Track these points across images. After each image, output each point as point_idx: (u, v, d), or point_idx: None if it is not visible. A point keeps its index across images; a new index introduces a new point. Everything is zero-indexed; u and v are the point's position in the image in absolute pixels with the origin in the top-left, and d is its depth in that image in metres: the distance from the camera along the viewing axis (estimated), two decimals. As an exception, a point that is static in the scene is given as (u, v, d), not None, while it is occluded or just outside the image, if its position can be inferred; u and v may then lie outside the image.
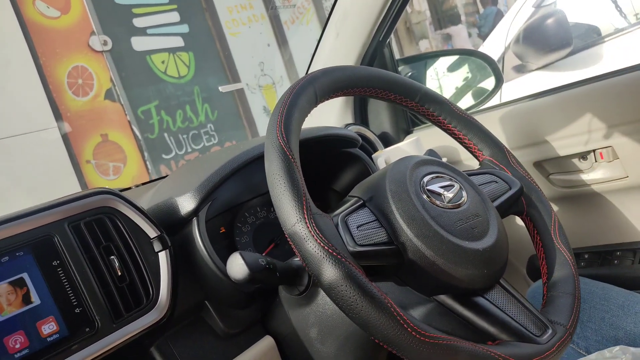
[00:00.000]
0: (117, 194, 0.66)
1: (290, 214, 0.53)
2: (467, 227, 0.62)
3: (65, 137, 3.33)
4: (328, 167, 1.01)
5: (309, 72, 0.64)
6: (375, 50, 1.20)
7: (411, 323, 0.50)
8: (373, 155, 1.05)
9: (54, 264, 0.59)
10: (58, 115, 3.32)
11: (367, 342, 0.69)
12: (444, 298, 0.62)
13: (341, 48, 1.16)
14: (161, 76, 3.96)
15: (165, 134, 3.89)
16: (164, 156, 3.83)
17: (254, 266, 0.60)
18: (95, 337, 0.59)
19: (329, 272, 0.51)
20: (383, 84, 0.75)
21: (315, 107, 0.68)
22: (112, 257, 0.63)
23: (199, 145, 4.09)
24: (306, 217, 0.53)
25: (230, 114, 4.40)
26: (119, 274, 0.63)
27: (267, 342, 0.75)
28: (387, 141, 1.20)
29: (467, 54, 1.39)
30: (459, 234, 0.60)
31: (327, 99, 0.70)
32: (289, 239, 0.54)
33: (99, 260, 0.62)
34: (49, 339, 0.56)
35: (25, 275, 0.57)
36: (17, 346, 0.55)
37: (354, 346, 0.70)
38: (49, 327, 0.57)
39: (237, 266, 0.59)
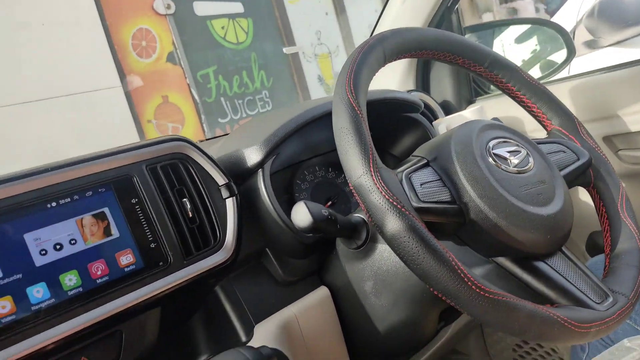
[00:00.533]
0: (191, 142, 0.69)
1: (356, 166, 0.55)
2: (533, 193, 0.62)
3: (128, 97, 3.46)
4: (387, 130, 1.01)
5: (354, 50, 0.65)
6: (442, 17, 1.17)
7: (472, 277, 0.51)
8: (434, 122, 1.05)
9: (132, 202, 0.63)
10: (122, 75, 3.45)
11: (421, 298, 0.71)
12: (502, 260, 0.62)
13: (407, 13, 1.15)
14: (220, 41, 4.02)
15: (222, 99, 3.97)
16: (219, 120, 3.92)
17: (317, 215, 0.62)
18: (167, 271, 0.63)
19: (393, 223, 0.52)
20: (452, 47, 0.74)
21: (383, 66, 0.68)
22: (184, 199, 0.67)
23: (254, 111, 4.15)
24: (372, 170, 0.54)
25: (285, 81, 4.43)
26: (190, 215, 0.67)
27: (322, 292, 0.78)
28: (448, 110, 1.18)
29: (539, 24, 1.34)
30: (523, 199, 0.60)
31: (395, 60, 0.70)
32: (353, 191, 0.56)
33: (173, 202, 0.66)
34: (126, 269, 0.61)
35: (106, 210, 0.62)
36: (99, 273, 0.59)
37: (408, 301, 0.71)
38: (126, 259, 0.61)
39: (301, 214, 0.62)
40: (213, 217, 0.69)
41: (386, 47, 0.66)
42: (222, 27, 4.06)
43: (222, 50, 4.07)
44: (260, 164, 0.74)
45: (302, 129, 0.80)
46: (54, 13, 3.16)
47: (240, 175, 0.75)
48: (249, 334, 0.71)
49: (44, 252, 0.57)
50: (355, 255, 0.73)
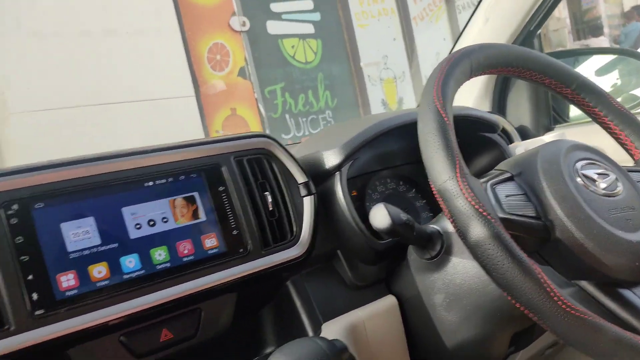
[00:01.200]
0: (276, 140, 0.72)
1: (442, 170, 0.55)
2: (622, 217, 0.60)
3: (200, 107, 3.62)
4: (462, 148, 1.01)
5: (441, 60, 0.66)
6: (524, 41, 1.16)
7: (558, 293, 0.50)
8: (511, 146, 1.03)
9: (219, 189, 0.66)
10: (196, 86, 3.61)
11: (494, 317, 0.69)
12: (585, 284, 0.60)
13: (489, 34, 1.15)
14: (290, 60, 4.14)
15: (287, 115, 4.07)
16: (283, 136, 4.01)
17: (396, 218, 0.63)
18: (246, 258, 0.65)
19: (477, 230, 0.52)
20: (539, 66, 0.74)
21: (467, 80, 0.69)
22: (266, 193, 0.69)
23: (316, 129, 4.22)
24: (458, 175, 0.54)
25: (349, 103, 4.48)
26: (270, 209, 0.69)
27: (390, 300, 0.78)
28: (525, 135, 1.16)
29: (625, 54, 1.30)
30: (612, 222, 0.58)
31: (481, 74, 0.70)
32: (437, 196, 0.56)
33: (256, 194, 0.68)
34: (209, 252, 0.64)
35: (196, 194, 0.65)
36: (185, 252, 0.63)
37: (480, 318, 0.70)
38: (210, 242, 0.64)
39: (380, 215, 0.63)
40: (291, 213, 0.71)
41: (473, 61, 0.67)
42: (292, 47, 4.18)
43: (291, 68, 4.19)
44: (338, 167, 0.76)
45: (378, 139, 0.81)
46: (138, 22, 3.37)
47: (318, 177, 0.77)
48: (317, 331, 0.72)
49: (138, 226, 0.61)
50: (427, 266, 0.73)
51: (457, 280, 0.70)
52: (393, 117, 0.81)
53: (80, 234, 0.57)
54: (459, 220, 0.53)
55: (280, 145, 0.73)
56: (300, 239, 0.70)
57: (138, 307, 0.58)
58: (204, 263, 0.63)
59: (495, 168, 0.66)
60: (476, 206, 0.52)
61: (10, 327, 0.51)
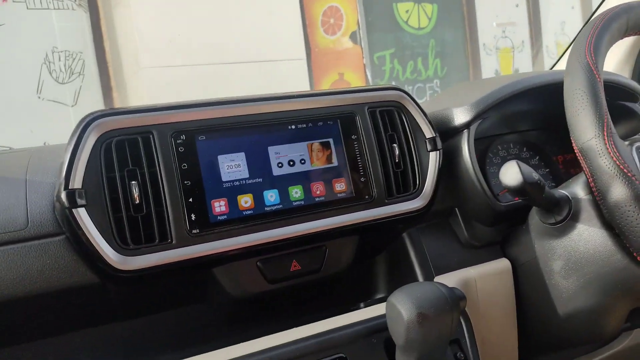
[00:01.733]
0: (408, 94, 0.74)
1: (588, 127, 0.54)
2: None
3: (309, 70, 3.70)
4: None
5: (595, 15, 0.62)
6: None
7: None
8: (651, 117, 0.96)
9: (352, 137, 0.71)
10: (308, 49, 3.69)
11: (614, 288, 0.67)
12: None
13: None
14: (402, 25, 4.06)
15: (393, 82, 4.03)
16: (389, 102, 3.98)
17: (528, 177, 0.63)
18: (371, 205, 0.69)
19: (619, 190, 0.51)
20: None
21: (622, 38, 0.66)
22: (394, 144, 0.72)
23: (421, 99, 4.14)
24: (605, 133, 0.53)
25: (460, 73, 4.32)
26: (397, 160, 0.72)
27: (503, 263, 0.79)
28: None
29: None
30: None
31: (636, 34, 0.67)
32: (578, 154, 0.55)
33: (385, 145, 0.72)
34: (338, 195, 0.69)
35: (331, 140, 0.70)
36: (318, 192, 0.68)
37: (600, 288, 0.69)
38: (340, 186, 0.69)
39: (512, 172, 0.63)
40: (416, 166, 0.73)
41: (631, 18, 0.63)
42: (407, 11, 4.09)
43: (402, 34, 4.11)
44: (467, 125, 0.77)
45: (508, 100, 0.80)
46: (259, -17, 3.48)
47: (445, 133, 0.79)
48: (429, 283, 0.75)
49: (280, 164, 0.67)
50: (549, 232, 0.72)
51: (580, 248, 0.68)
52: (529, 78, 0.80)
53: (232, 166, 0.65)
54: (600, 180, 0.52)
55: (413, 99, 0.75)
56: (423, 192, 0.72)
57: (275, 237, 0.64)
58: (333, 205, 0.68)
59: None
60: (621, 166, 0.51)
61: (172, 241, 0.59)
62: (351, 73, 3.93)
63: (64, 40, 3.12)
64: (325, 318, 0.68)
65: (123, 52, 3.37)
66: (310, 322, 0.66)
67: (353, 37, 3.93)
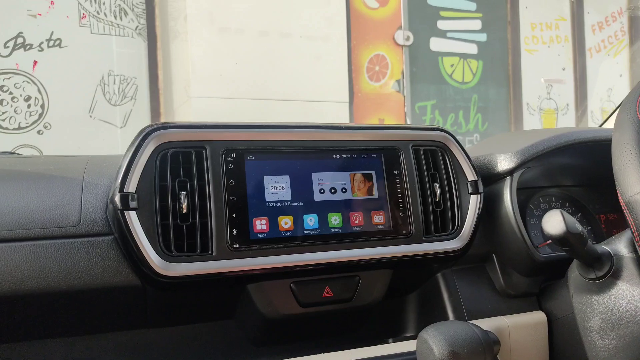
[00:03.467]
0: (453, 136, 0.76)
1: (635, 181, 0.54)
2: None
3: (351, 113, 3.76)
4: None
5: None
6: None
7: None
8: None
9: (394, 173, 0.72)
10: (352, 93, 3.77)
11: None
12: None
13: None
14: (446, 78, 4.12)
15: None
16: (427, 151, 3.98)
17: (571, 226, 0.63)
18: (408, 240, 0.70)
19: None
20: None
21: None
22: (435, 184, 0.73)
23: (461, 151, 4.12)
24: None
25: (500, 129, 4.31)
26: (437, 200, 0.73)
27: (539, 316, 0.77)
28: None
29: None
30: None
31: None
32: (624, 207, 0.55)
33: (426, 183, 0.73)
34: (376, 227, 0.70)
35: (373, 173, 0.71)
36: (356, 222, 0.69)
37: (638, 351, 0.66)
38: (378, 218, 0.70)
39: (555, 221, 0.63)
40: (456, 207, 0.74)
41: None
42: (452, 65, 4.16)
43: (446, 86, 4.16)
44: (511, 172, 0.77)
45: (553, 152, 0.80)
46: (311, 28, 3.62)
47: (487, 178, 0.79)
48: (461, 326, 0.74)
49: (322, 191, 0.69)
50: (589, 287, 0.70)
51: (620, 306, 0.66)
52: (576, 132, 0.80)
53: (277, 187, 0.67)
54: None
55: (457, 141, 0.76)
56: (461, 233, 0.72)
57: (311, 260, 0.65)
58: (370, 236, 0.69)
59: None
60: None
61: (212, 253, 0.61)
62: (392, 119, 3.98)
63: (120, 65, 3.29)
64: (354, 348, 0.67)
65: (175, 81, 3.52)
66: (338, 350, 0.66)
67: (396, 85, 4.00)
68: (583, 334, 0.71)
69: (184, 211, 0.61)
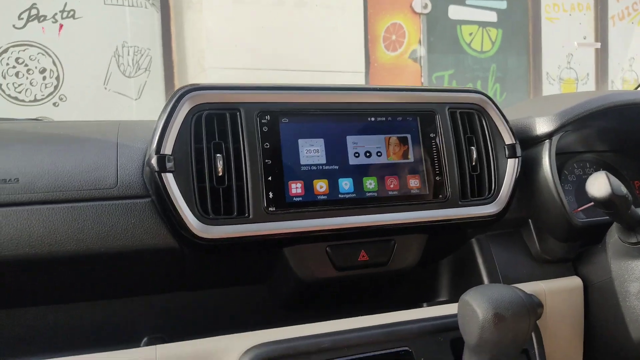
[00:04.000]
0: (490, 98, 0.74)
1: None
2: None
3: (367, 83, 3.71)
4: None
5: None
6: None
7: None
8: None
9: (430, 136, 0.70)
10: (368, 63, 3.71)
11: None
12: None
13: None
14: (464, 47, 4.03)
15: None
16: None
17: (617, 189, 0.61)
18: (444, 205, 0.69)
19: None
20: None
21: None
22: (471, 147, 0.71)
23: (478, 122, 4.07)
24: None
25: (519, 99, 4.24)
26: (473, 164, 0.71)
27: (575, 281, 0.76)
28: None
29: None
30: None
31: None
32: None
33: (463, 146, 0.71)
34: (412, 191, 0.68)
35: (408, 136, 0.70)
36: (391, 186, 0.68)
37: None
38: (414, 182, 0.69)
39: (601, 183, 0.61)
40: (493, 172, 0.72)
41: None
42: (470, 34, 4.06)
43: (464, 56, 4.07)
44: (550, 135, 0.75)
45: (592, 116, 0.78)
46: (327, -3, 3.54)
47: (524, 142, 0.77)
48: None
49: (357, 154, 0.67)
50: (629, 252, 0.69)
51: None
52: (617, 94, 0.77)
53: (311, 151, 0.66)
54: None
55: (495, 104, 0.74)
56: (498, 198, 0.71)
57: (347, 224, 0.64)
58: (405, 200, 0.68)
59: None
60: None
61: (249, 216, 0.61)
62: (408, 91, 3.92)
63: (134, 36, 3.26)
64: (390, 311, 0.67)
65: (189, 52, 3.48)
66: (375, 313, 0.66)
67: (413, 54, 3.93)
68: (621, 299, 0.70)
69: (220, 174, 0.60)
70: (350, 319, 0.64)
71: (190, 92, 0.60)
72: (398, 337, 0.62)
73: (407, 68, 3.88)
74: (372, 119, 0.69)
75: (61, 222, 0.56)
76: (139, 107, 3.22)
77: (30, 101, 2.83)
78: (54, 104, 2.90)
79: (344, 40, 3.59)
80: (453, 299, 0.67)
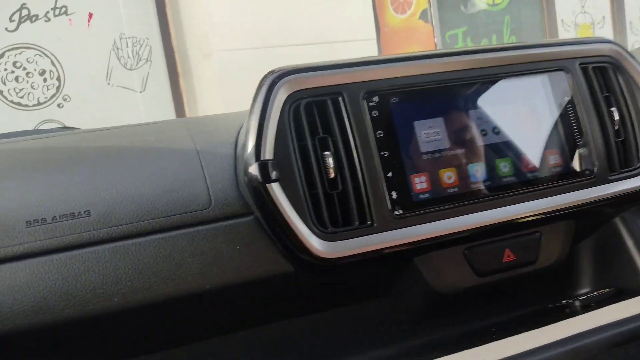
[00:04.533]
0: (624, 48, 0.60)
1: None
2: None
3: (379, 49, 3.55)
4: None
5: None
6: None
7: None
8: None
9: (564, 99, 0.57)
10: (378, 29, 3.54)
11: None
12: None
13: None
14: (476, 1, 3.84)
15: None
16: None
17: None
18: (593, 182, 0.56)
19: None
20: None
21: None
22: (612, 108, 0.59)
23: (497, 79, 3.91)
24: None
25: (537, 51, 4.07)
26: (616, 128, 0.58)
27: None
28: None
29: None
30: None
31: None
32: None
33: (603, 109, 0.58)
34: (553, 170, 0.56)
35: (540, 103, 0.57)
36: (529, 166, 0.56)
37: None
38: (554, 159, 0.56)
39: None
40: (638, 135, 0.59)
41: None
42: (481, -14, 3.86)
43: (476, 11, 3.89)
44: None
45: None
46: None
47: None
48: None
49: (484, 132, 0.55)
50: None
51: None
52: None
53: (431, 134, 0.53)
54: None
55: (631, 55, 0.61)
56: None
57: (486, 221, 0.52)
58: (546, 182, 0.55)
59: None
60: None
61: (373, 224, 0.49)
62: (421, 53, 3.76)
63: (131, 27, 3.11)
64: (543, 325, 0.55)
65: (188, 37, 3.34)
66: (522, 322, 0.54)
67: (424, 15, 3.75)
68: None
69: (332, 176, 0.48)
70: (507, 340, 0.52)
71: (284, 76, 0.47)
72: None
73: (419, 29, 3.70)
74: (496, 86, 0.56)
75: (152, 259, 0.43)
76: (144, 99, 3.10)
77: (33, 105, 2.72)
78: (59, 105, 2.78)
79: (351, 7, 3.42)
80: (598, 288, 0.55)
